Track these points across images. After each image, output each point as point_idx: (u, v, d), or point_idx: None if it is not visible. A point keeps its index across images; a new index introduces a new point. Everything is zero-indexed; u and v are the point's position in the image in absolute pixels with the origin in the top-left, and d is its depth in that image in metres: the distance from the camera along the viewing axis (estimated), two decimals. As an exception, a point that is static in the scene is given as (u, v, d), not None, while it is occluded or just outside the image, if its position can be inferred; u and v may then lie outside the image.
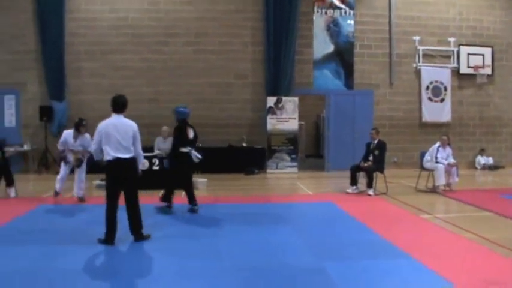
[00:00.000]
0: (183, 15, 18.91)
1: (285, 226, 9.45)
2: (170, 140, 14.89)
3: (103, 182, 14.19)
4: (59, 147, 12.47)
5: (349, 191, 13.69)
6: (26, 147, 17.90)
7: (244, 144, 18.56)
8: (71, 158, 12.33)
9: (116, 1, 18.73)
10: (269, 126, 18.46)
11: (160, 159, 14.20)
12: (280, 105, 18.39)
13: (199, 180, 14.63)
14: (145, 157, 9.85)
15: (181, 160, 10.89)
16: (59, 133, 18.08)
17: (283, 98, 18.49)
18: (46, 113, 18.04)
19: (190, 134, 10.98)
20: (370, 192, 13.34)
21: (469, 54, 20.19)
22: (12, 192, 12.71)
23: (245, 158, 18.28)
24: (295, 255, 7.68)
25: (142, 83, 18.54)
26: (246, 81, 19.20)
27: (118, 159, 8.14)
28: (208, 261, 7.31)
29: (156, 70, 18.80)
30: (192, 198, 10.97)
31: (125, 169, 8.23)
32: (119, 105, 8.48)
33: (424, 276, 6.63)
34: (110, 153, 8.16)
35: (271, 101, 18.44)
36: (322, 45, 19.50)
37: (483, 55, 20.27)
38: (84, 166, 12.47)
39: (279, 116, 18.48)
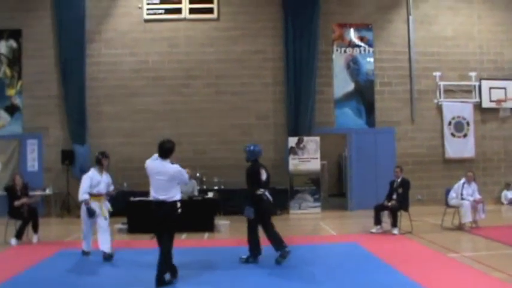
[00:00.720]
0: (203, 57, 19.05)
1: (310, 269, 9.29)
2: (193, 183, 14.90)
3: (124, 226, 14.24)
4: (83, 196, 10.60)
5: (374, 230, 13.47)
6: (48, 191, 17.95)
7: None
8: (97, 207, 10.67)
9: (136, 44, 18.94)
10: (291, 167, 18.35)
11: (182, 202, 14.09)
12: (301, 145, 18.31)
13: (221, 223, 14.50)
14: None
15: (259, 204, 9.99)
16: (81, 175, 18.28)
17: (305, 138, 18.42)
18: (68, 156, 18.17)
19: (263, 175, 10.20)
20: (395, 231, 13.12)
21: (490, 88, 20.01)
22: (35, 238, 12.72)
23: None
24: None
25: (163, 125, 18.58)
26: (267, 122, 19.19)
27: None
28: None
29: (177, 112, 18.86)
30: (277, 242, 9.97)
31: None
32: (162, 151, 8.66)
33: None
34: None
35: (292, 141, 18.36)
36: (342, 84, 19.49)
37: (505, 88, 20.07)
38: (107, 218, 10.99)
39: (300, 156, 18.38)
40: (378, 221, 13.60)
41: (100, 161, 11.01)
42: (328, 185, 23.64)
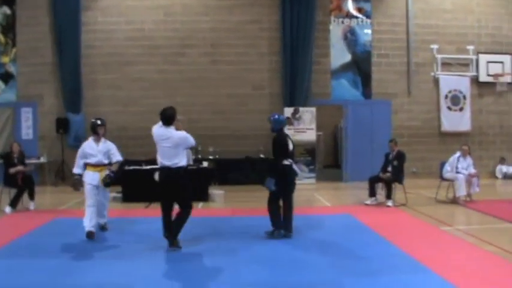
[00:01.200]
0: (199, 26, 18.88)
1: (303, 239, 9.29)
2: (188, 152, 14.84)
3: (119, 195, 14.24)
4: (75, 169, 10.03)
5: (368, 202, 13.50)
6: (42, 160, 17.95)
7: (261, 156, 18.40)
8: (96, 179, 9.73)
9: (132, 13, 18.76)
10: (287, 137, 18.29)
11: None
12: (297, 115, 18.25)
13: (216, 193, 14.52)
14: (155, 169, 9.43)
15: (284, 175, 9.53)
16: (77, 146, 18.22)
17: (301, 109, 18.36)
18: (63, 125, 18.09)
19: (290, 145, 9.71)
20: (389, 203, 13.15)
21: (488, 62, 19.93)
22: (32, 205, 12.73)
23: (262, 170, 18.09)
24: (313, 270, 7.53)
25: (158, 94, 18.45)
26: (263, 92, 19.10)
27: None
28: (224, 276, 7.17)
29: (172, 81, 18.76)
30: (288, 223, 9.60)
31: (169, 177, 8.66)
32: (164, 119, 8.72)
33: (447, 292, 6.46)
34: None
35: (288, 111, 18.28)
36: (339, 55, 19.38)
37: (503, 63, 19.99)
38: (108, 189, 10.38)
39: (296, 126, 18.33)
40: (372, 193, 13.63)
41: (95, 129, 10.08)
42: (323, 156, 23.63)
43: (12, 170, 12.69)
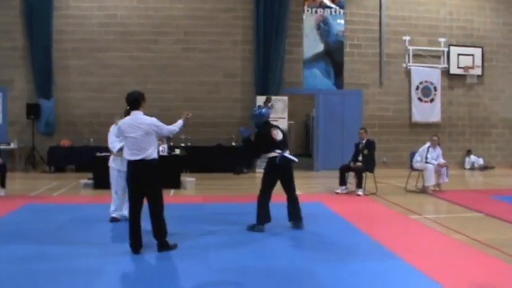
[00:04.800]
0: (172, 13, 18.81)
1: (274, 227, 9.31)
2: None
3: (90, 181, 14.18)
4: (113, 146, 9.80)
5: (339, 191, 13.60)
6: (12, 145, 17.73)
7: (233, 144, 18.43)
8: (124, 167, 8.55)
9: (105, -2, 18.60)
10: (258, 125, 18.30)
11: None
12: (269, 104, 18.25)
13: (187, 180, 14.52)
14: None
15: (272, 167, 9.26)
16: (48, 132, 18.08)
17: (273, 97, 18.39)
18: (33, 110, 17.87)
19: (278, 135, 9.29)
20: (360, 192, 13.25)
21: (459, 54, 20.20)
22: (2, 192, 12.56)
23: (234, 157, 18.15)
24: (283, 256, 7.61)
25: (130, 81, 18.33)
26: (235, 80, 19.12)
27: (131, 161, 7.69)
28: (194, 262, 7.21)
29: (144, 68, 18.67)
30: (297, 213, 9.40)
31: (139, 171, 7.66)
32: (129, 102, 7.86)
33: (414, 279, 6.56)
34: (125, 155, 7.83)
35: (260, 100, 18.28)
36: (312, 45, 19.45)
37: (473, 56, 20.28)
38: None
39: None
40: (342, 182, 13.71)
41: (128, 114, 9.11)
42: (294, 145, 23.66)
43: None
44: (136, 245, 7.60)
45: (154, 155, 7.75)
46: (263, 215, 9.15)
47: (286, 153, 9.25)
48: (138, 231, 7.65)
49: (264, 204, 9.19)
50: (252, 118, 9.70)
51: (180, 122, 8.36)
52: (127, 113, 8.45)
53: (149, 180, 7.67)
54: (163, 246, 7.73)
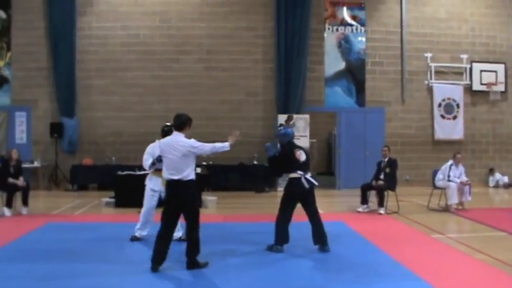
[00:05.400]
0: (194, 32, 18.94)
1: (295, 247, 9.27)
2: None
3: (111, 200, 14.25)
4: (146, 163, 9.69)
5: (360, 210, 13.53)
6: (36, 164, 17.92)
7: (255, 162, 18.43)
8: (159, 185, 9.58)
9: (127, 18, 18.79)
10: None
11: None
12: (291, 122, 18.26)
13: (209, 199, 14.52)
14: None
15: (292, 188, 9.12)
16: (71, 151, 18.24)
17: (294, 116, 18.38)
18: (57, 129, 18.08)
19: (302, 156, 9.17)
20: (381, 211, 13.17)
21: (481, 71, 20.02)
22: (24, 210, 12.70)
23: (256, 176, 18.14)
24: (303, 277, 7.56)
25: (153, 100, 18.54)
26: (257, 99, 19.16)
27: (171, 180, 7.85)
28: (213, 283, 7.19)
29: (167, 87, 18.80)
30: (321, 235, 9.20)
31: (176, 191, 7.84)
32: (175, 124, 8.03)
33: (435, 300, 6.49)
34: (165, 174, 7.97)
35: (282, 118, 18.31)
36: (333, 63, 19.45)
37: (496, 72, 20.10)
38: None
39: (290, 133, 18.34)
40: (364, 200, 13.65)
41: (167, 134, 8.93)
42: (316, 163, 23.65)
43: (11, 181, 12.63)
44: (159, 262, 7.71)
45: (192, 176, 7.87)
46: (281, 235, 9.07)
47: (308, 176, 9.13)
48: (166, 250, 7.79)
49: (282, 224, 9.09)
50: (277, 137, 9.64)
51: (226, 144, 8.35)
52: (163, 131, 9.04)
53: (185, 199, 7.84)
54: (194, 264, 7.84)
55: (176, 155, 7.74)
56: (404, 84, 19.71)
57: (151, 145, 9.81)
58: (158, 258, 7.72)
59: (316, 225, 9.21)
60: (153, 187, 9.73)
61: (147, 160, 9.68)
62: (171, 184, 7.82)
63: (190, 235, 7.89)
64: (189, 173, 7.83)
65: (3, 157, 13.89)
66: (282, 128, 9.84)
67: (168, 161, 7.86)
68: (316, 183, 9.25)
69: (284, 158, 9.27)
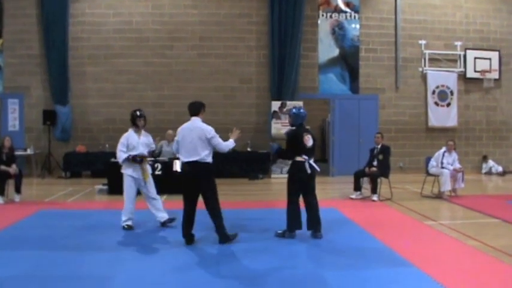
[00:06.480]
0: (187, 19, 18.86)
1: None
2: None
3: (104, 187, 14.23)
4: (121, 156, 9.72)
5: (353, 196, 13.55)
6: (29, 151, 17.88)
7: (248, 149, 18.44)
8: (138, 172, 9.75)
9: (120, 5, 18.70)
10: (274, 131, 18.27)
11: (164, 164, 14.12)
12: (284, 109, 18.23)
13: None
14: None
15: (295, 171, 9.05)
16: (64, 138, 18.20)
17: (288, 103, 18.34)
18: (50, 117, 18.02)
19: (309, 141, 9.11)
20: (375, 197, 13.18)
21: (475, 58, 20.02)
22: (17, 197, 12.70)
23: (249, 163, 18.13)
24: (295, 262, 7.57)
25: (146, 87, 18.50)
26: (250, 86, 19.13)
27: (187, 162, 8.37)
28: (206, 268, 7.19)
29: (160, 74, 18.75)
30: (316, 222, 9.16)
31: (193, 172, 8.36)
32: (191, 110, 8.76)
33: (426, 286, 6.47)
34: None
35: (275, 105, 18.30)
36: (327, 49, 19.42)
37: (490, 59, 20.10)
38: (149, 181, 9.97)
39: (283, 120, 18.29)
40: (357, 187, 13.67)
41: (135, 121, 9.88)
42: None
43: (3, 168, 12.59)
44: (190, 243, 8.50)
45: (209, 160, 8.41)
46: (292, 221, 9.05)
47: (311, 161, 9.10)
48: (190, 228, 8.53)
49: (292, 211, 9.06)
50: (290, 116, 9.50)
51: (231, 142, 8.91)
52: (132, 116, 9.76)
53: (203, 179, 8.37)
54: (226, 238, 8.49)
55: (194, 137, 8.30)
56: (398, 71, 19.69)
57: (125, 135, 9.89)
58: (189, 240, 8.47)
59: (313, 210, 9.17)
60: (132, 174, 9.71)
61: (121, 151, 9.72)
62: (189, 165, 8.31)
63: (214, 217, 8.45)
64: (207, 155, 8.36)
65: None
66: (295, 108, 9.59)
67: (186, 144, 8.35)
68: (318, 168, 9.21)
69: (293, 140, 9.17)
